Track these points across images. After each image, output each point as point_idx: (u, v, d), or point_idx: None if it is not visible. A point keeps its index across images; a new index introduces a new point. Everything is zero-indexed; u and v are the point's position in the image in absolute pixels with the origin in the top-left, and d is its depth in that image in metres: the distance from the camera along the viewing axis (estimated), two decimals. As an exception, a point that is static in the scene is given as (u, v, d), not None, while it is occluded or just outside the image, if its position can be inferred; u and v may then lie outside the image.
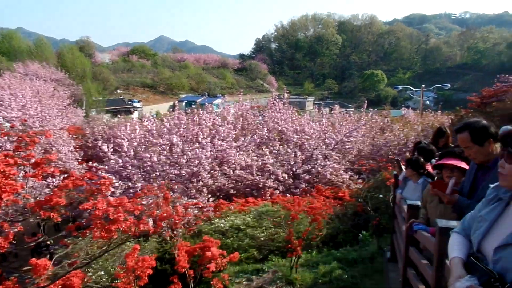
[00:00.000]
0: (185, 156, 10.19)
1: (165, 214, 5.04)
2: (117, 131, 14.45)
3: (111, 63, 75.91)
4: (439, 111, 22.83)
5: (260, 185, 11.37)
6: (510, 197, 1.52)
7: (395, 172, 5.50)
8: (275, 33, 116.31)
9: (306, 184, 11.89)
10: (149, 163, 10.07)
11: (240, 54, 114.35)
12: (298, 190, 11.49)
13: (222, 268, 5.11)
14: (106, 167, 10.03)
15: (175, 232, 6.46)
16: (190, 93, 70.75)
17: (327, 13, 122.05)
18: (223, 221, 7.73)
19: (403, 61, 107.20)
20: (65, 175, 6.32)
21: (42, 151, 13.53)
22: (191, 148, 10.52)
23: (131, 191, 9.21)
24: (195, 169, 10.01)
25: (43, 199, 4.39)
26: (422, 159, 3.99)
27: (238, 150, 11.65)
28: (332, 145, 13.44)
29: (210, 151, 10.51)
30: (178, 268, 4.71)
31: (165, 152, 10.55)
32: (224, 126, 12.45)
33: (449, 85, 28.77)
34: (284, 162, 12.12)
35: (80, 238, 5.10)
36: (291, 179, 11.86)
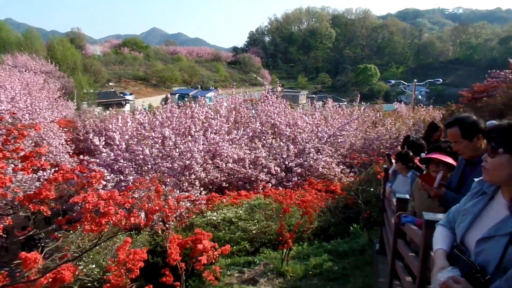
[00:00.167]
0: (177, 149, 10.15)
1: (156, 207, 5.03)
2: (108, 124, 14.35)
3: (103, 55, 74.97)
4: (431, 106, 23.04)
5: (252, 178, 11.40)
6: (493, 191, 1.56)
7: (385, 166, 5.55)
8: (269, 26, 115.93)
9: (299, 177, 11.95)
10: (141, 156, 10.01)
11: (234, 47, 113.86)
12: (291, 183, 11.54)
13: (213, 261, 5.14)
14: (98, 160, 9.95)
15: (167, 225, 6.46)
16: (182, 86, 70.34)
17: (321, 7, 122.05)
18: (215, 214, 7.74)
19: (396, 55, 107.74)
20: (56, 169, 6.27)
21: (33, 144, 13.39)
22: (183, 141, 10.48)
23: (123, 184, 9.16)
24: (188, 162, 9.99)
25: (34, 192, 4.35)
26: (411, 153, 4.04)
27: (231, 143, 11.64)
28: (325, 138, 13.50)
29: (203, 144, 10.49)
30: (170, 260, 4.72)
31: (157, 145, 10.50)
32: (217, 119, 12.41)
33: (441, 80, 29.04)
34: (277, 156, 12.16)
35: (70, 231, 5.08)
36: (283, 172, 11.90)
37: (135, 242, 6.01)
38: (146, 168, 9.80)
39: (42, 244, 9.42)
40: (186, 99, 16.36)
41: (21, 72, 26.47)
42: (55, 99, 24.36)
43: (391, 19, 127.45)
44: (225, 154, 11.13)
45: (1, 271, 4.78)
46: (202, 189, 9.86)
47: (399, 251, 3.23)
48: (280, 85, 17.60)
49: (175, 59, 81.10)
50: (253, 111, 15.88)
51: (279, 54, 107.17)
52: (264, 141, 12.48)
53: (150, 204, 5.28)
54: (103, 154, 10.05)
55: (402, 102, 31.97)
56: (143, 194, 6.41)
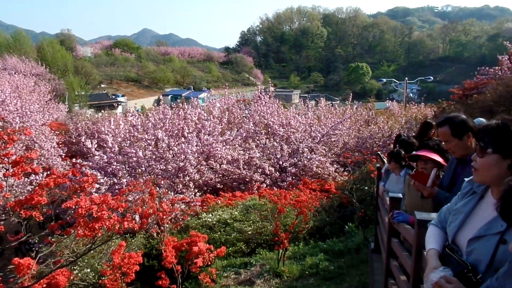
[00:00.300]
0: (171, 151, 10.11)
1: (150, 211, 5.01)
2: (101, 126, 14.23)
3: (94, 56, 74.22)
4: (423, 104, 23.27)
5: (247, 179, 11.39)
6: (483, 190, 1.57)
7: (378, 165, 5.59)
8: (260, 26, 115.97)
9: (293, 177, 11.98)
10: (135, 159, 9.95)
11: (226, 47, 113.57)
12: (285, 183, 11.56)
13: (209, 263, 5.13)
14: (91, 163, 9.86)
15: (161, 228, 6.43)
16: (175, 87, 70.01)
17: (311, 6, 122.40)
18: (210, 215, 7.73)
19: (387, 53, 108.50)
20: (48, 172, 6.20)
21: (24, 147, 13.23)
22: (177, 143, 10.44)
23: (117, 187, 9.10)
24: (181, 164, 9.95)
25: (25, 197, 4.30)
26: (403, 152, 4.07)
27: (225, 144, 11.62)
28: (318, 138, 13.54)
29: (196, 145, 10.45)
30: (166, 263, 4.70)
31: (151, 147, 10.44)
32: (210, 120, 12.38)
33: (432, 77, 29.32)
34: (271, 156, 12.17)
35: (64, 236, 5.03)
36: (278, 172, 11.92)
37: (130, 246, 5.98)
38: (139, 170, 9.74)
39: (36, 249, 9.33)
40: (179, 100, 16.29)
41: (10, 74, 26.09)
42: (46, 101, 24.09)
43: (381, 17, 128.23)
44: (219, 155, 11.11)
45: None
46: (196, 190, 9.83)
47: (393, 250, 3.26)
48: (273, 85, 17.63)
49: (167, 60, 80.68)
50: (246, 112, 15.88)
51: (271, 54, 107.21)
52: (258, 142, 12.49)
53: (144, 207, 5.25)
54: (96, 157, 9.97)
55: (394, 100, 32.15)
56: (137, 197, 6.37)
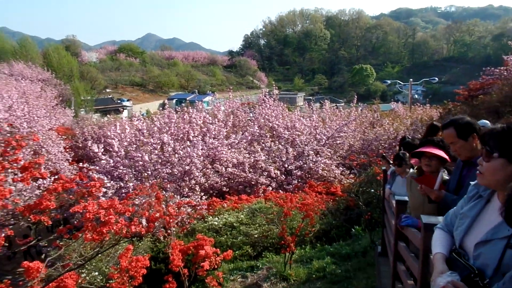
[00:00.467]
0: (176, 155, 10.16)
1: (157, 215, 5.04)
2: (107, 130, 14.32)
3: (99, 62, 74.92)
4: (428, 105, 23.15)
5: (252, 182, 11.40)
6: (489, 194, 1.57)
7: (384, 167, 5.58)
8: (264, 29, 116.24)
9: (299, 180, 11.96)
10: (141, 163, 10.01)
11: (229, 51, 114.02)
12: (291, 186, 11.55)
13: (216, 266, 5.14)
14: (97, 167, 9.94)
15: (168, 231, 6.46)
16: (180, 91, 70.34)
17: (314, 9, 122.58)
18: (216, 219, 7.74)
19: (391, 55, 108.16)
20: (56, 177, 6.27)
21: (32, 152, 13.34)
22: (182, 146, 10.49)
23: (123, 191, 9.16)
24: (187, 167, 9.99)
25: (33, 202, 4.35)
26: (408, 154, 4.05)
27: (230, 147, 11.65)
28: (323, 140, 13.53)
29: (202, 149, 10.49)
30: (172, 267, 4.72)
31: (156, 151, 10.50)
32: (215, 124, 12.43)
33: (436, 78, 29.20)
34: (276, 159, 12.17)
35: (72, 240, 5.08)
36: (283, 176, 11.91)
37: (137, 249, 6.01)
38: (145, 174, 9.79)
39: (45, 253, 9.42)
40: (184, 104, 16.38)
41: (17, 80, 26.40)
42: (52, 106, 24.31)
43: (384, 19, 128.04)
44: (225, 159, 11.14)
45: (4, 280, 4.77)
46: (202, 194, 9.86)
47: (400, 254, 3.25)
48: (277, 87, 17.66)
49: (171, 64, 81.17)
50: (251, 115, 15.91)
51: (274, 57, 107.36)
52: (263, 145, 12.49)
53: (151, 211, 5.28)
54: (102, 161, 10.05)
55: (399, 102, 32.07)
56: (143, 200, 6.41)
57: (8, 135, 10.61)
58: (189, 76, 76.17)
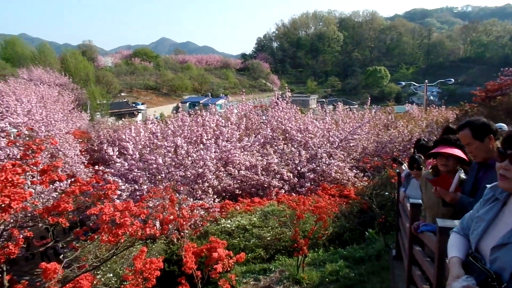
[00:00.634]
0: (190, 158, 10.25)
1: (171, 217, 5.09)
2: (122, 134, 14.57)
3: (114, 66, 76.33)
4: (444, 106, 22.74)
5: (265, 185, 11.40)
6: (506, 197, 1.53)
7: (398, 170, 5.51)
8: (276, 32, 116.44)
9: (311, 183, 11.90)
10: (155, 165, 10.14)
11: (242, 54, 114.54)
12: (304, 189, 11.51)
13: (229, 269, 5.15)
14: (112, 170, 10.11)
15: (181, 234, 6.52)
16: (193, 94, 71.01)
17: (327, 11, 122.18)
18: (229, 221, 7.78)
19: (405, 56, 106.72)
20: (72, 179, 6.41)
21: (49, 155, 13.67)
22: (195, 149, 10.57)
23: (138, 193, 9.28)
24: (200, 170, 10.06)
25: (51, 204, 4.46)
26: (422, 157, 3.99)
27: (243, 150, 11.69)
28: (336, 143, 13.44)
29: (215, 152, 10.56)
30: (186, 269, 4.76)
31: (170, 154, 10.61)
32: (228, 127, 12.49)
33: (452, 79, 28.66)
34: (289, 161, 12.15)
35: (88, 241, 5.18)
36: (296, 178, 11.87)
37: (150, 251, 6.08)
38: (159, 177, 9.90)
39: (61, 254, 9.62)
40: (197, 107, 16.52)
41: (36, 85, 27.16)
42: (69, 110, 24.91)
43: (399, 20, 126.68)
44: (237, 161, 11.18)
45: (22, 280, 4.90)
46: (215, 196, 9.91)
47: (415, 258, 3.20)
48: (290, 90, 17.65)
49: (185, 68, 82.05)
50: (264, 117, 15.93)
51: (287, 59, 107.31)
52: (276, 147, 12.49)
53: (165, 214, 5.35)
54: (117, 164, 10.21)
55: (414, 104, 31.61)
56: (157, 203, 6.49)
57: (27, 138, 10.89)
58: (202, 80, 76.82)
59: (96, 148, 18.79)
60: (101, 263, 4.69)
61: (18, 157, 6.89)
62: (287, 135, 13.89)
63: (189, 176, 10.06)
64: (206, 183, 10.16)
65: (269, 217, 7.76)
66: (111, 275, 5.47)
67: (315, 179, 12.11)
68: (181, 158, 10.31)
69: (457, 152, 2.80)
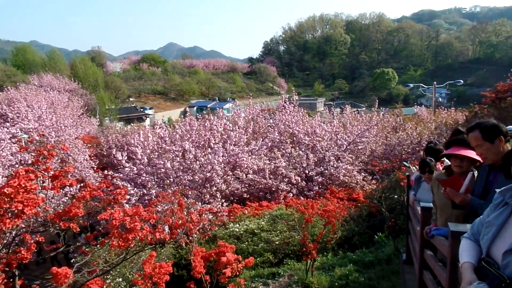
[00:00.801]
0: (198, 162, 10.29)
1: (180, 222, 5.11)
2: (130, 139, 14.71)
3: (122, 71, 77.17)
4: (453, 108, 22.51)
5: (273, 189, 11.38)
6: None
7: (407, 173, 5.46)
8: (283, 35, 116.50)
9: (320, 186, 11.86)
10: (163, 170, 10.20)
11: (249, 58, 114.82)
12: (312, 192, 11.46)
13: (237, 273, 5.15)
14: (121, 174, 10.21)
15: (190, 238, 6.54)
16: (200, 99, 71.37)
17: (334, 13, 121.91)
18: (237, 225, 7.77)
19: (413, 58, 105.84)
20: (82, 184, 6.48)
21: (59, 160, 13.85)
22: (203, 153, 10.62)
23: (146, 198, 9.35)
24: (208, 174, 10.10)
25: (62, 209, 4.52)
26: (433, 160, 3.94)
27: (250, 154, 11.70)
28: (344, 146, 13.38)
29: (223, 156, 10.59)
30: (195, 273, 4.77)
31: (178, 159, 10.68)
32: (236, 131, 12.53)
33: (461, 81, 28.28)
34: (297, 165, 12.12)
35: (98, 246, 5.21)
36: (304, 182, 11.84)
37: (159, 255, 6.10)
38: (168, 181, 9.96)
39: (71, 258, 9.71)
40: (205, 112, 16.62)
41: (46, 91, 27.58)
42: (78, 116, 25.25)
43: (406, 21, 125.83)
44: (245, 165, 11.19)
45: (33, 285, 4.95)
46: (223, 200, 9.93)
47: (426, 262, 3.17)
48: (297, 93, 17.65)
49: (192, 72, 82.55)
50: (271, 121, 15.95)
51: (294, 63, 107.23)
52: (283, 151, 12.48)
53: (174, 218, 5.37)
54: (126, 168, 10.30)
55: (423, 105, 31.34)
56: (166, 207, 6.52)
57: (38, 144, 11.05)
58: (210, 84, 77.21)
59: (105, 153, 18.98)
60: (112, 267, 4.72)
61: (30, 162, 6.99)
62: (294, 138, 13.87)
63: (197, 180, 10.10)
64: (214, 187, 10.18)
65: (278, 221, 7.74)
66: (121, 279, 5.49)
67: (323, 182, 12.06)
68: (189, 162, 10.36)
69: (471, 153, 2.76)
